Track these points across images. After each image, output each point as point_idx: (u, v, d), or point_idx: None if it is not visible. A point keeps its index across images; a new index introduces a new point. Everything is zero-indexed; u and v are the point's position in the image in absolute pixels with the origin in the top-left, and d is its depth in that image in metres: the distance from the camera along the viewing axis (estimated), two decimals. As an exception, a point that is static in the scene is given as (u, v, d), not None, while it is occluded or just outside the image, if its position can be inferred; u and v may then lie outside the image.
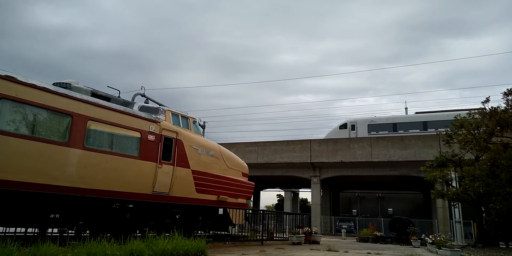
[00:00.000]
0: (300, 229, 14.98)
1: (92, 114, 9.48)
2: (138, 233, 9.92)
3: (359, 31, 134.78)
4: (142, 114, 11.00)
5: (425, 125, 30.86)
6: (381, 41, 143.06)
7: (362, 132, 32.71)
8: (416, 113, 34.98)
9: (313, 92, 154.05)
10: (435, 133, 27.63)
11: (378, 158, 27.41)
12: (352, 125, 33.61)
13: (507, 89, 14.95)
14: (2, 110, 7.88)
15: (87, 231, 9.15)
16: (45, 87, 8.68)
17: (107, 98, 10.79)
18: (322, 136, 40.23)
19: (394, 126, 31.97)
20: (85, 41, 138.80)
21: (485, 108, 15.85)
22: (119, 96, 11.75)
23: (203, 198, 12.25)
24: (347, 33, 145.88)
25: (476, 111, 16.62)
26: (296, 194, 52.74)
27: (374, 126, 32.68)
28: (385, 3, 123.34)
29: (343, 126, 34.12)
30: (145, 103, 12.45)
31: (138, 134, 10.52)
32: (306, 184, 34.64)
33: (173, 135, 11.56)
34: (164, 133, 11.27)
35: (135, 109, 11.36)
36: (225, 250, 10.12)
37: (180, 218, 11.33)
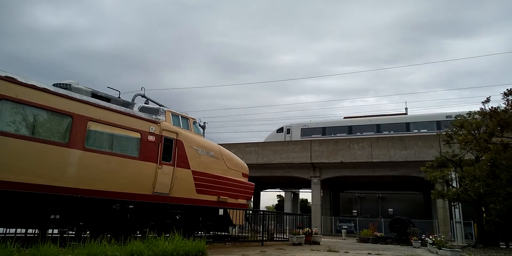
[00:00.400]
0: (301, 230, 14.96)
1: (92, 115, 9.48)
2: (139, 234, 9.91)
3: (359, 32, 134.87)
4: (142, 114, 11.00)
5: (350, 129, 32.77)
6: (381, 41, 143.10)
7: (296, 135, 34.24)
8: (344, 118, 36.48)
9: (314, 92, 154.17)
10: (361, 136, 30.35)
11: (378, 159, 27.40)
12: (287, 129, 35.29)
13: (507, 89, 14.95)
14: (2, 111, 7.88)
15: (87, 232, 9.14)
16: (45, 88, 8.68)
17: (107, 98, 10.79)
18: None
19: (323, 130, 33.69)
20: (85, 41, 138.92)
21: (484, 108, 15.87)
22: (119, 97, 11.75)
23: (203, 198, 12.25)
24: (347, 33, 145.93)
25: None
26: (296, 195, 52.66)
27: (306, 130, 34.32)
28: (385, 3, 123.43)
29: (280, 130, 35.82)
30: (145, 103, 12.46)
31: (138, 135, 10.51)
32: (306, 185, 34.63)
33: (173, 136, 11.55)
34: (164, 133, 11.27)
35: (135, 109, 11.36)
36: (225, 250, 10.11)
37: (180, 219, 11.32)
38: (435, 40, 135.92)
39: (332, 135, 32.42)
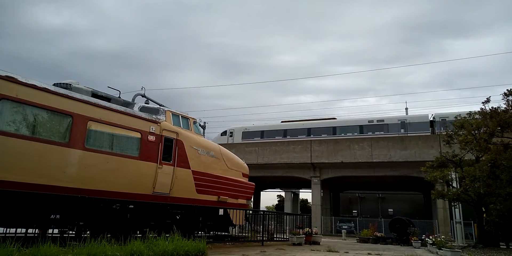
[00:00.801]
0: (301, 230, 14.95)
1: (92, 114, 9.47)
2: (139, 234, 9.90)
3: (359, 32, 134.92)
4: (143, 114, 10.99)
5: (285, 132, 35.34)
6: (381, 41, 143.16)
7: (238, 138, 36.37)
8: (282, 122, 38.66)
9: (314, 92, 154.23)
10: (291, 139, 32.85)
11: (379, 159, 27.39)
12: (230, 132, 37.58)
13: (507, 89, 14.96)
14: (2, 111, 7.87)
15: (88, 232, 9.13)
16: (45, 88, 8.68)
17: (107, 98, 10.78)
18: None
19: (262, 133, 36.04)
20: (85, 41, 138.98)
21: (485, 108, 15.87)
22: (119, 97, 11.74)
23: (203, 198, 12.24)
24: (347, 33, 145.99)
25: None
26: (296, 195, 52.65)
27: (247, 133, 36.53)
28: (385, 3, 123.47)
29: (224, 133, 38.08)
30: (145, 103, 12.45)
31: (138, 135, 10.51)
32: (307, 185, 34.65)
33: (174, 136, 11.55)
34: (165, 133, 11.26)
35: (136, 109, 11.35)
36: (226, 250, 10.11)
37: (181, 219, 11.31)
38: (435, 40, 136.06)
39: (270, 138, 34.69)
